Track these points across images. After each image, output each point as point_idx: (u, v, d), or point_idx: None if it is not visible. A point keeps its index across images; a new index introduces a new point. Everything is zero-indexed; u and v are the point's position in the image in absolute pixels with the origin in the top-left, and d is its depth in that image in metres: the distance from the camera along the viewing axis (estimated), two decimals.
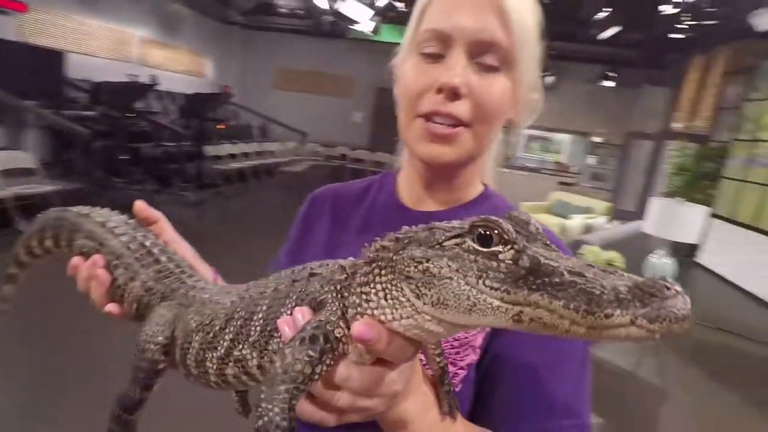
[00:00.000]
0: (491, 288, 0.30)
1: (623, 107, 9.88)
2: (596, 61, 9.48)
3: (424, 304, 0.34)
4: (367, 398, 0.40)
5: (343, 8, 7.38)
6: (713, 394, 3.11)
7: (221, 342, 0.46)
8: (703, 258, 6.42)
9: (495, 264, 0.31)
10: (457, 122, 0.54)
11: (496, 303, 0.30)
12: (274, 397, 0.34)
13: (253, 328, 0.44)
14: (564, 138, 10.88)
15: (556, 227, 4.25)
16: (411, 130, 0.58)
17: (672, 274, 3.36)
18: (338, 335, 0.38)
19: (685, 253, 6.32)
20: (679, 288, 0.27)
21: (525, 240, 0.32)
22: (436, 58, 0.54)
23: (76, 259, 0.59)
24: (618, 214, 7.42)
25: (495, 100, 0.54)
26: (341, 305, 0.39)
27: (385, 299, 0.37)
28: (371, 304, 0.37)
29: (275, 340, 0.42)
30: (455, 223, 0.35)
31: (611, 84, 9.50)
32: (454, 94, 0.52)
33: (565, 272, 0.29)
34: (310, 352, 0.36)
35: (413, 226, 0.39)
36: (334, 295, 0.40)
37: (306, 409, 0.40)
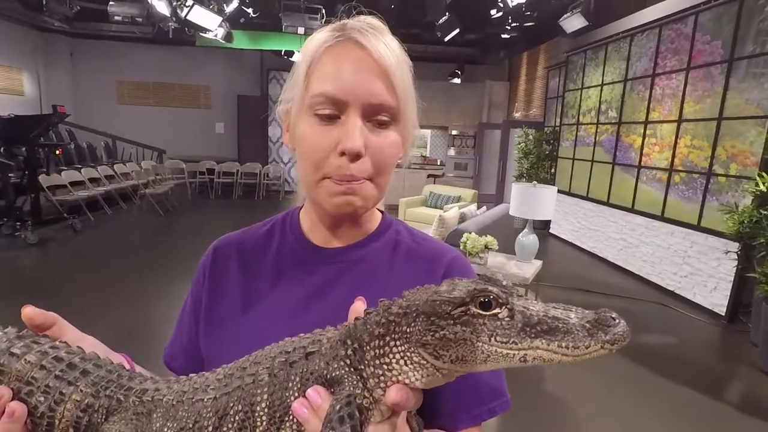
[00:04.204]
0: (501, 342, 0.37)
1: (473, 101, 10.96)
2: (445, 60, 10.35)
3: (443, 362, 0.39)
4: None
5: (191, 15, 6.87)
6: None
7: None
8: (554, 228, 7.49)
9: (498, 323, 0.38)
10: (360, 179, 0.59)
11: (506, 352, 0.37)
12: None
13: (258, 419, 0.44)
14: (426, 133, 11.67)
15: (436, 219, 4.56)
16: (321, 190, 0.60)
17: (536, 247, 3.87)
18: (366, 404, 0.42)
19: (541, 227, 7.32)
20: (618, 316, 0.37)
21: (508, 296, 0.39)
22: (331, 118, 0.57)
23: None
24: (481, 199, 8.24)
25: (390, 152, 0.60)
26: (359, 377, 0.42)
27: (406, 365, 0.41)
28: (394, 372, 0.42)
29: (287, 424, 0.44)
30: (454, 293, 0.39)
31: (459, 81, 10.49)
32: (356, 156, 0.57)
33: (548, 319, 0.37)
34: (350, 427, 0.39)
35: (408, 294, 0.43)
36: (348, 369, 0.43)
37: None
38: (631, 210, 5.65)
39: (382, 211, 0.74)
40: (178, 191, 9.34)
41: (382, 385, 0.42)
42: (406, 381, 0.41)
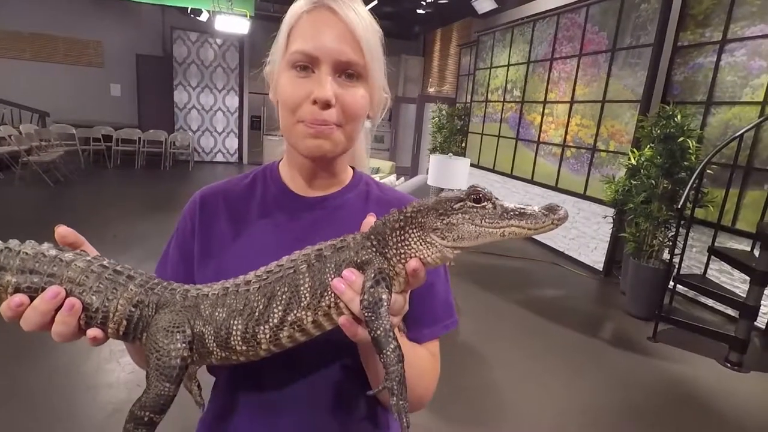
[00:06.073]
0: (489, 223, 0.53)
1: (389, 74, 11.09)
2: None
3: (448, 241, 0.55)
4: (396, 317, 0.57)
5: None
6: (485, 299, 4.14)
7: (273, 314, 0.56)
8: None
9: (486, 212, 0.54)
10: (331, 124, 0.70)
11: (491, 230, 0.53)
12: (380, 316, 0.52)
13: (303, 296, 0.56)
14: None
15: None
16: (294, 133, 0.70)
17: None
18: (391, 275, 0.56)
19: None
20: (561, 206, 0.55)
21: (491, 195, 0.57)
22: (306, 69, 0.68)
23: (19, 297, 0.54)
24: (398, 171, 8.54)
25: (356, 104, 0.70)
26: (384, 258, 0.56)
27: (421, 245, 0.56)
28: (412, 250, 0.56)
29: (325, 298, 0.56)
30: (453, 194, 0.56)
31: None
32: (326, 105, 0.67)
33: (518, 208, 0.53)
34: (384, 287, 0.54)
35: (414, 203, 0.57)
36: (375, 253, 0.57)
37: (360, 331, 0.56)
38: (531, 181, 6.30)
39: (353, 168, 0.85)
40: (69, 160, 8.37)
41: (402, 261, 0.56)
42: (421, 257, 0.56)
